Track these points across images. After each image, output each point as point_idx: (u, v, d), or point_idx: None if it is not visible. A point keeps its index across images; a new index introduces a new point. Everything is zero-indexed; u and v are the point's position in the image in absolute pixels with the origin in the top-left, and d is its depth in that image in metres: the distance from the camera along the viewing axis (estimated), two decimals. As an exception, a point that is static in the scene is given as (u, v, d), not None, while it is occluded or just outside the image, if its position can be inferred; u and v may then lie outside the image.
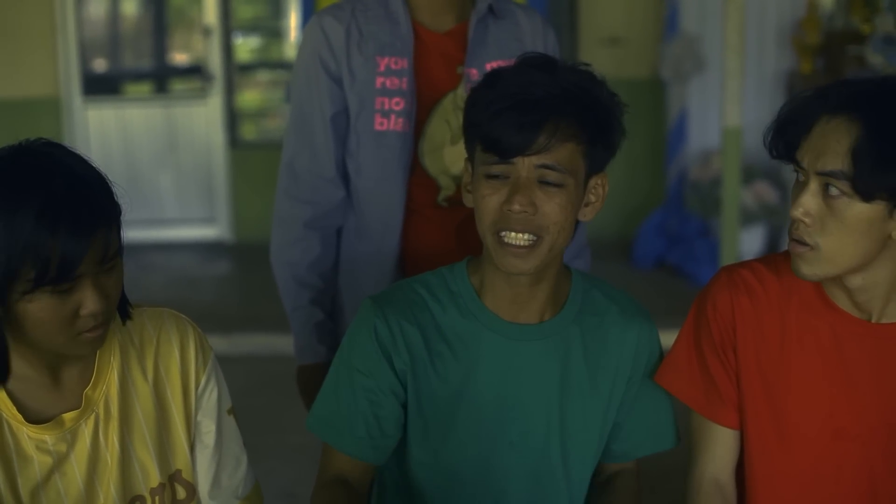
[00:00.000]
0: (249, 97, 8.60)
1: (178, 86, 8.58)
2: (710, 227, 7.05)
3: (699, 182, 7.07)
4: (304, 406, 2.59)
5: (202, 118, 8.30)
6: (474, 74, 2.34)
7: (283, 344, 5.82)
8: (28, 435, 1.65)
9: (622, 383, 1.88)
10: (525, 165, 1.71)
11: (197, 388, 1.79)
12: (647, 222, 7.46)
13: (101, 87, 8.40)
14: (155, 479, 1.74)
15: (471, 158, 1.81)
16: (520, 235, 1.72)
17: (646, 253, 7.37)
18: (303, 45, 2.40)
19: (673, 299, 6.73)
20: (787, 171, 6.89)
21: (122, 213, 1.64)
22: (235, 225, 8.28)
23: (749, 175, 6.79)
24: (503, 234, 1.73)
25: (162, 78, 8.60)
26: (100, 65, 8.60)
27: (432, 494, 1.87)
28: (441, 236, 2.35)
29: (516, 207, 1.70)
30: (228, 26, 8.25)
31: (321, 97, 2.35)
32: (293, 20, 8.40)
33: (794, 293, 1.82)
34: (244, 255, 7.98)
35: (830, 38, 7.14)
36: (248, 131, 8.54)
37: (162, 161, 8.36)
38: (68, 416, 1.68)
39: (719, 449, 1.88)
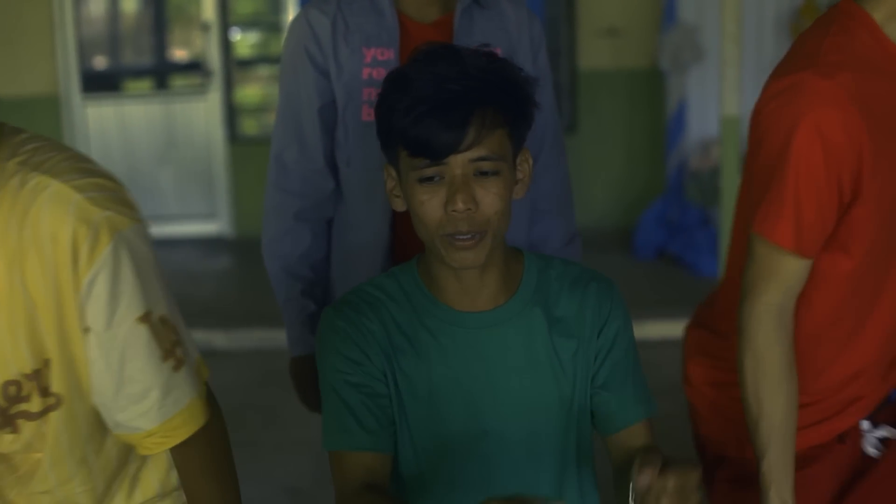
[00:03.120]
0: (249, 92, 8.61)
1: (177, 82, 8.59)
2: (711, 216, 7.05)
3: (699, 172, 7.08)
4: (298, 398, 2.60)
5: (202, 114, 8.31)
6: (460, 65, 2.34)
7: (283, 339, 5.83)
8: None
9: (591, 346, 1.86)
10: (459, 163, 1.69)
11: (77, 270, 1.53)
12: (647, 212, 7.46)
13: (100, 84, 8.42)
14: (26, 364, 1.57)
15: (393, 164, 1.78)
16: (466, 236, 1.71)
17: (646, 243, 7.37)
18: (289, 38, 2.41)
19: (673, 289, 6.75)
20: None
21: None
22: (236, 220, 8.30)
23: (748, 164, 6.78)
24: (451, 236, 1.71)
25: (161, 74, 8.61)
26: (99, 62, 8.61)
27: (419, 488, 1.87)
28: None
29: (460, 206, 1.68)
30: (227, 22, 8.26)
31: (308, 89, 2.36)
32: (291, 15, 8.41)
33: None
34: (244, 250, 7.99)
35: (829, 26, 7.12)
36: (248, 126, 8.55)
37: (162, 157, 8.37)
38: None
39: (794, 279, 1.96)
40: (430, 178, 1.71)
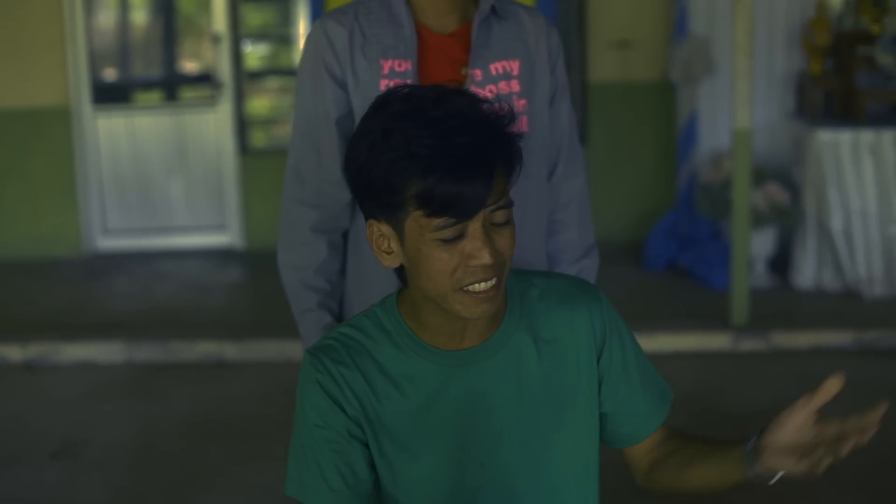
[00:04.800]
0: (259, 104, 8.61)
1: (187, 94, 8.59)
2: (721, 229, 7.04)
3: (710, 184, 7.06)
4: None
5: (212, 126, 8.32)
6: (478, 75, 2.33)
7: (294, 350, 5.86)
8: None
9: (591, 370, 1.82)
10: (480, 216, 1.62)
11: None
12: (657, 225, 7.45)
13: (110, 95, 8.42)
14: None
15: (392, 223, 1.66)
16: (488, 283, 1.64)
17: (657, 256, 7.35)
18: (306, 50, 2.39)
19: (684, 302, 6.74)
20: (798, 173, 6.90)
21: None
22: (246, 232, 8.29)
23: (759, 177, 6.77)
24: (468, 287, 1.64)
25: (172, 86, 8.61)
26: (109, 74, 8.62)
27: None
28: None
29: (488, 260, 1.61)
30: (238, 34, 8.27)
31: (325, 101, 2.35)
32: (302, 27, 8.41)
33: None
34: (255, 262, 7.98)
35: (840, 39, 7.13)
36: (258, 138, 8.55)
37: (172, 169, 8.37)
38: None
39: None
40: (454, 238, 1.62)
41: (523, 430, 1.78)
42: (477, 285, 1.64)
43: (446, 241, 1.61)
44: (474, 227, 1.61)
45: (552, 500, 1.82)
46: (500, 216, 1.64)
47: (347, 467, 1.76)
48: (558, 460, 1.81)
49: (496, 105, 1.67)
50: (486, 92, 2.33)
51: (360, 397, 1.75)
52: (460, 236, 1.61)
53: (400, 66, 2.31)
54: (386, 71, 2.30)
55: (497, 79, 2.35)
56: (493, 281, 1.64)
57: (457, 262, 1.62)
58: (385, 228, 1.68)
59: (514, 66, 2.37)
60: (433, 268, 1.63)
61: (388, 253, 1.70)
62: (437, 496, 1.79)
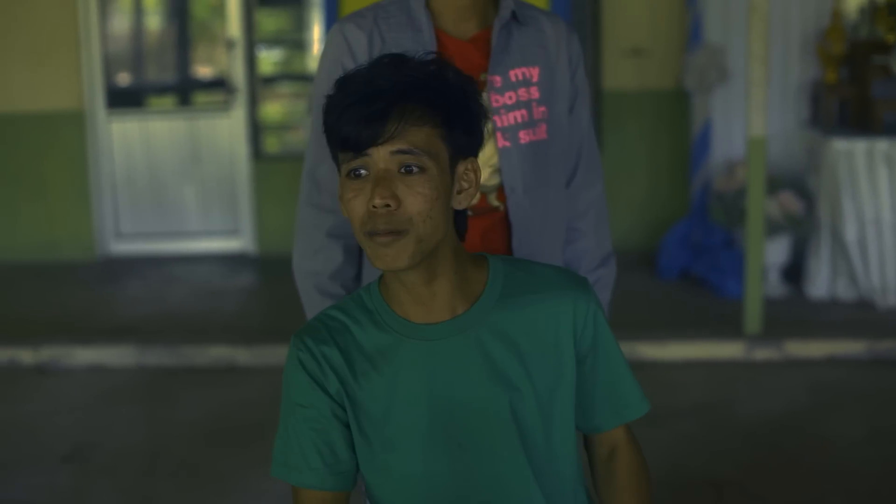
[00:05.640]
0: (272, 110, 8.62)
1: (201, 99, 8.61)
2: (735, 237, 7.02)
3: (724, 193, 7.04)
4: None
5: (225, 131, 8.33)
6: (498, 81, 2.32)
7: (306, 356, 5.83)
8: None
9: (570, 359, 1.84)
10: (381, 156, 1.69)
11: None
12: (671, 233, 7.43)
13: (125, 100, 8.44)
14: None
15: (338, 168, 1.79)
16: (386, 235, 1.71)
17: (670, 264, 7.34)
18: (325, 53, 2.38)
19: (697, 310, 6.72)
20: (812, 182, 6.89)
21: None
22: (259, 237, 8.30)
23: (774, 185, 6.76)
24: (371, 231, 1.71)
25: (185, 91, 8.63)
26: (124, 78, 8.63)
27: None
28: (465, 245, 2.33)
29: (377, 200, 1.68)
30: (252, 39, 8.28)
31: None
32: (316, 33, 8.42)
33: None
34: (268, 267, 7.99)
35: (855, 48, 7.11)
36: (271, 144, 8.55)
37: (185, 174, 8.38)
38: None
39: None
40: (357, 173, 1.71)
41: (498, 409, 1.80)
42: (377, 232, 1.70)
43: (350, 176, 1.72)
44: (376, 167, 1.70)
45: (539, 483, 1.84)
46: (408, 160, 1.70)
47: (327, 446, 1.80)
48: (538, 442, 1.83)
49: (451, 68, 1.77)
50: (506, 98, 2.32)
51: (341, 376, 1.80)
52: (366, 175, 1.71)
53: (419, 71, 2.30)
54: (405, 76, 2.30)
55: (517, 85, 2.34)
56: (393, 234, 1.70)
57: (365, 206, 1.70)
58: (340, 178, 1.78)
59: (534, 73, 2.35)
60: (349, 208, 1.73)
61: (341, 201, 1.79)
62: (417, 477, 1.81)
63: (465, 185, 1.79)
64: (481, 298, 1.82)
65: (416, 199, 1.69)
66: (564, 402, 1.85)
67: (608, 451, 1.96)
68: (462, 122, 1.75)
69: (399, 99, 1.69)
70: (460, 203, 1.79)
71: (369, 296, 1.85)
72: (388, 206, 1.68)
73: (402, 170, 1.69)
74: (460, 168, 1.77)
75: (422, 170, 1.70)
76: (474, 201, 1.83)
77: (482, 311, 1.81)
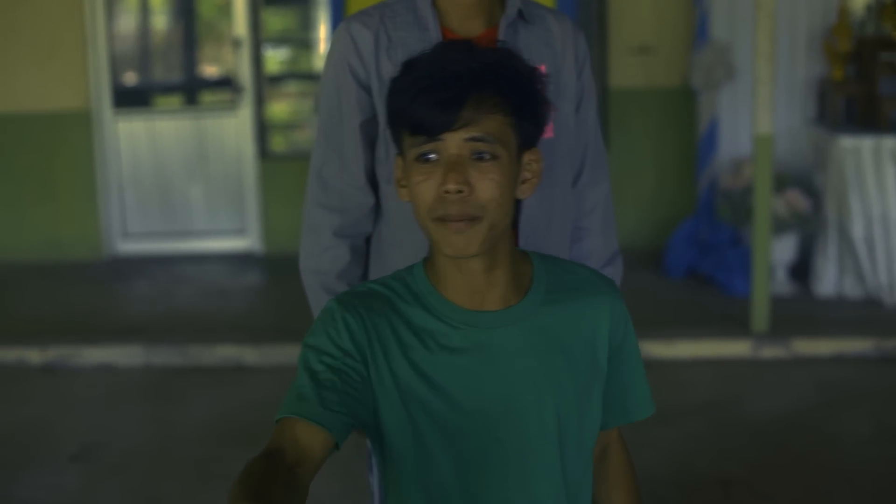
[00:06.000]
0: (279, 109, 8.62)
1: (208, 98, 8.61)
2: (742, 235, 7.01)
3: (730, 190, 7.04)
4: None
5: (232, 130, 8.33)
6: (503, 80, 2.32)
7: (313, 355, 5.83)
8: None
9: (604, 358, 1.86)
10: (455, 142, 1.68)
11: None
12: (678, 231, 7.43)
13: (131, 99, 8.45)
14: None
15: (400, 151, 1.78)
16: (459, 221, 1.70)
17: (677, 262, 7.33)
18: (331, 52, 2.37)
19: (704, 308, 6.71)
20: (819, 179, 6.88)
21: None
22: (266, 236, 8.30)
23: (781, 183, 6.75)
24: (442, 215, 1.70)
25: (192, 90, 8.64)
26: (130, 78, 8.64)
27: (414, 491, 1.81)
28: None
29: (451, 186, 1.67)
30: (258, 38, 8.29)
31: (350, 104, 2.34)
32: (322, 32, 8.42)
33: None
34: (274, 267, 7.99)
35: (862, 45, 7.10)
36: (278, 143, 8.56)
37: (192, 173, 8.39)
38: None
39: None
40: (427, 157, 1.70)
41: (542, 406, 1.80)
42: (451, 218, 1.70)
43: (420, 160, 1.71)
44: (448, 152, 1.69)
45: (565, 474, 1.83)
46: (481, 147, 1.69)
47: (347, 395, 1.69)
48: (573, 435, 1.83)
49: (517, 58, 1.77)
50: None
51: (385, 344, 1.76)
52: (437, 159, 1.70)
53: (425, 69, 2.30)
54: (411, 75, 2.30)
55: (523, 83, 2.34)
56: (467, 220, 1.69)
57: (435, 190, 1.69)
58: (400, 160, 1.79)
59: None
60: (416, 192, 1.72)
61: (403, 187, 1.79)
62: (445, 460, 1.78)
63: (529, 175, 1.80)
64: (531, 291, 1.82)
65: (488, 185, 1.69)
66: (596, 400, 1.86)
67: (601, 449, 1.97)
68: (531, 113, 1.76)
69: (474, 85, 1.69)
70: (524, 192, 1.79)
71: (413, 278, 1.83)
72: (460, 191, 1.68)
73: (475, 156, 1.70)
74: (525, 157, 1.78)
75: (494, 157, 1.70)
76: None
77: (532, 303, 1.81)
